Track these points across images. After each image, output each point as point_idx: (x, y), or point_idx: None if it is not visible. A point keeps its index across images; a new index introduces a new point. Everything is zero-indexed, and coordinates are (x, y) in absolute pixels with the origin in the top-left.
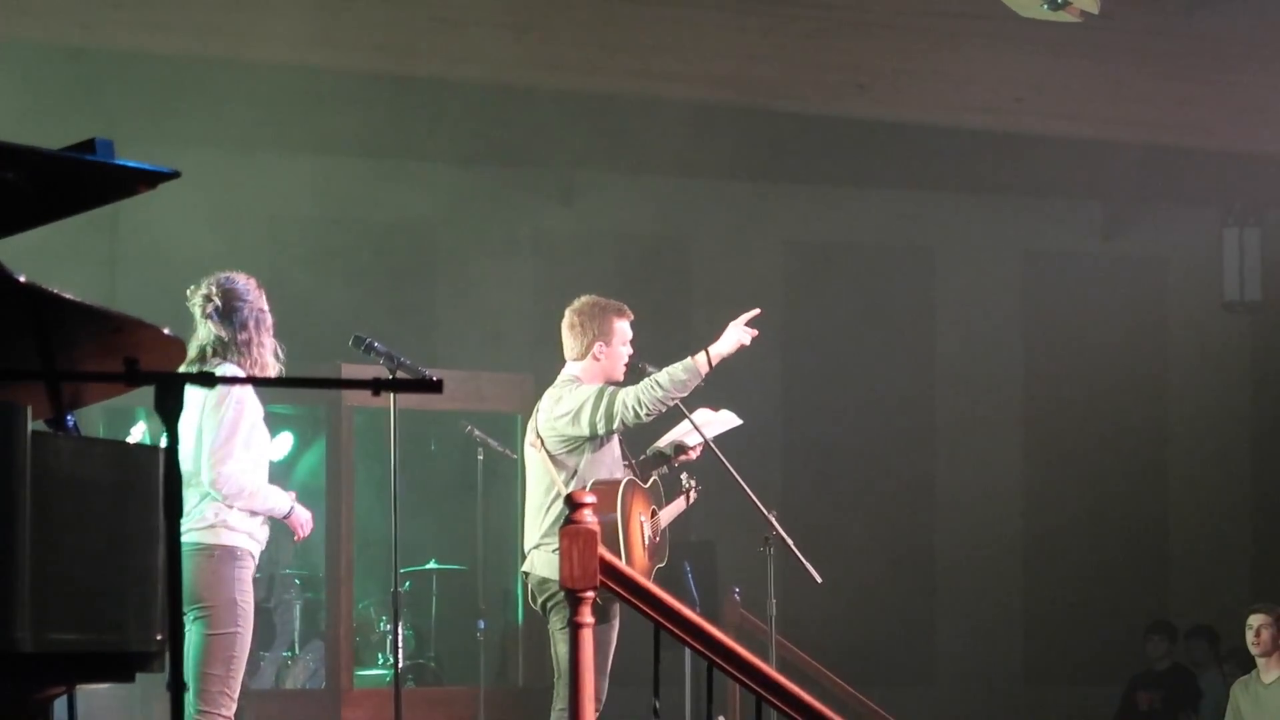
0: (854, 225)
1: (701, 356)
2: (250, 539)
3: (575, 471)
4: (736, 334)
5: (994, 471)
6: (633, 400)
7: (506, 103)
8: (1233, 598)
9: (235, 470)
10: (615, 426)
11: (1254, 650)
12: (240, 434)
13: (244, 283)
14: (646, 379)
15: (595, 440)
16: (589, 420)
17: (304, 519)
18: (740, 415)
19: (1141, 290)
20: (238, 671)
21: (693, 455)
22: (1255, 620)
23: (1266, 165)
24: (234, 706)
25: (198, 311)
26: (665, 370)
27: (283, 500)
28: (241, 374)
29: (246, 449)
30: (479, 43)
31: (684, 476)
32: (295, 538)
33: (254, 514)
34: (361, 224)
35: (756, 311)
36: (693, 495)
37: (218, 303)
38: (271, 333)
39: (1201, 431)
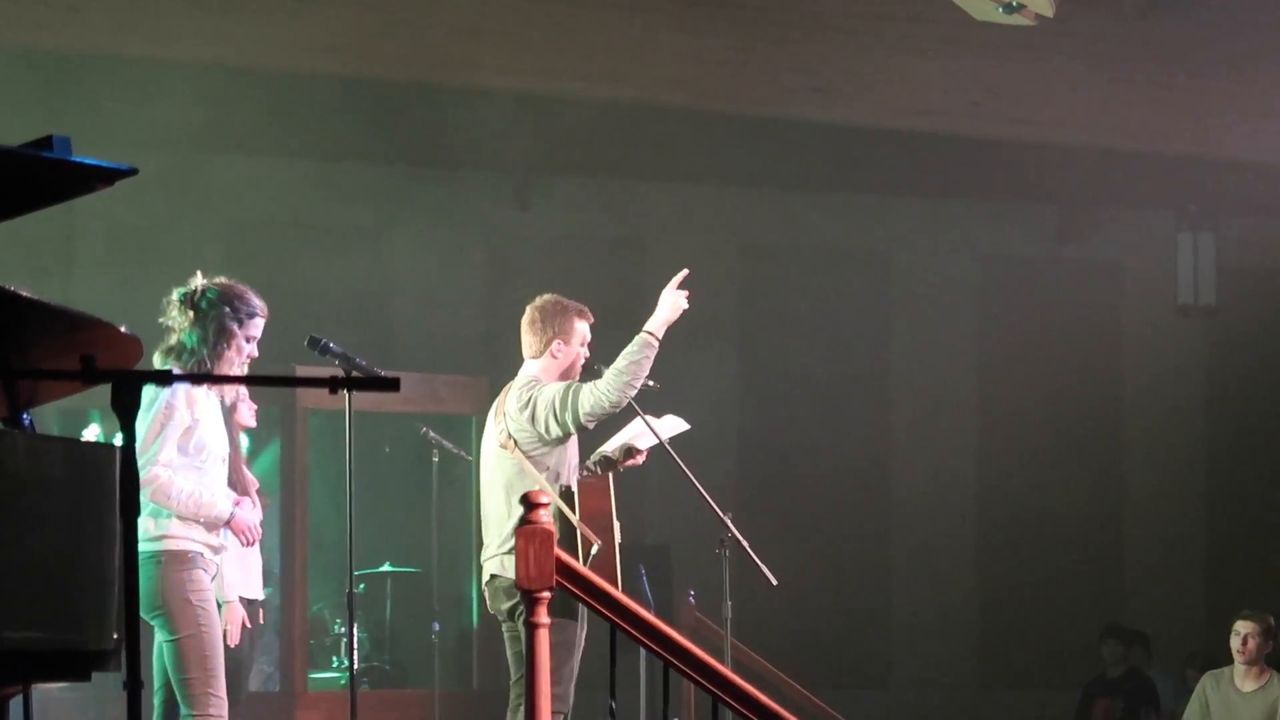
0: (809, 229)
1: (647, 334)
2: (197, 542)
3: (551, 469)
4: (671, 299)
5: (949, 476)
6: (600, 391)
7: (461, 105)
8: (1187, 602)
9: (158, 474)
10: (584, 422)
11: (1239, 659)
12: (167, 438)
13: (231, 295)
14: (609, 369)
15: (567, 438)
16: (559, 420)
17: (246, 525)
18: (695, 417)
19: (1096, 294)
20: (216, 670)
21: (640, 460)
22: (1243, 628)
23: (1221, 169)
24: (224, 705)
25: (176, 295)
26: (620, 356)
27: (223, 506)
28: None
29: (183, 454)
30: (433, 45)
31: None
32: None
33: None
34: (316, 226)
35: (685, 272)
36: None
37: (193, 297)
38: (235, 354)
39: (1156, 435)
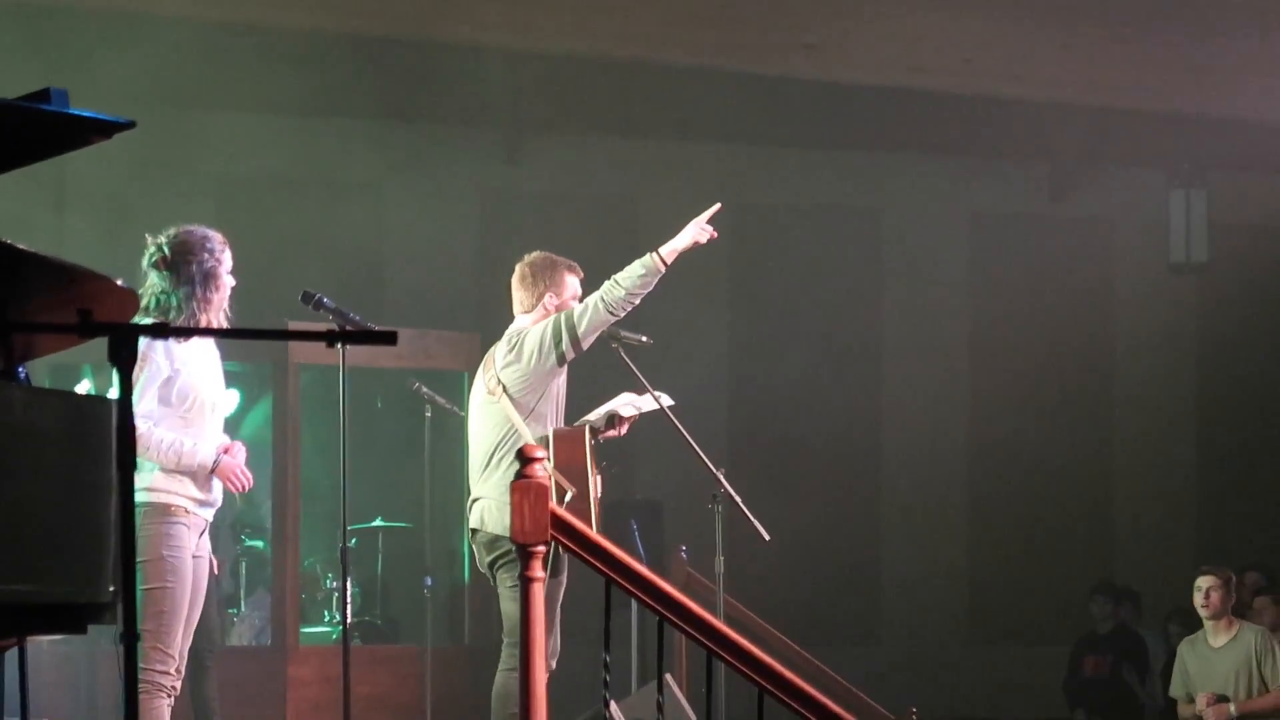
0: (801, 186)
1: (655, 256)
2: (182, 496)
3: (535, 411)
4: (694, 231)
5: (940, 432)
6: (598, 299)
7: (454, 62)
8: (1177, 559)
9: (135, 426)
10: (581, 335)
11: (1203, 613)
12: (144, 390)
13: (198, 238)
14: (612, 279)
15: (562, 362)
16: (556, 343)
17: (232, 470)
18: (687, 373)
19: (1088, 251)
20: (171, 627)
21: (621, 431)
22: (1204, 582)
23: (1213, 127)
24: (173, 662)
25: (145, 262)
26: (624, 271)
27: (205, 454)
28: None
29: (165, 405)
30: (425, 1)
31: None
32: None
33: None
34: (308, 182)
35: (718, 207)
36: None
37: (166, 255)
38: (222, 292)
39: (1147, 392)
